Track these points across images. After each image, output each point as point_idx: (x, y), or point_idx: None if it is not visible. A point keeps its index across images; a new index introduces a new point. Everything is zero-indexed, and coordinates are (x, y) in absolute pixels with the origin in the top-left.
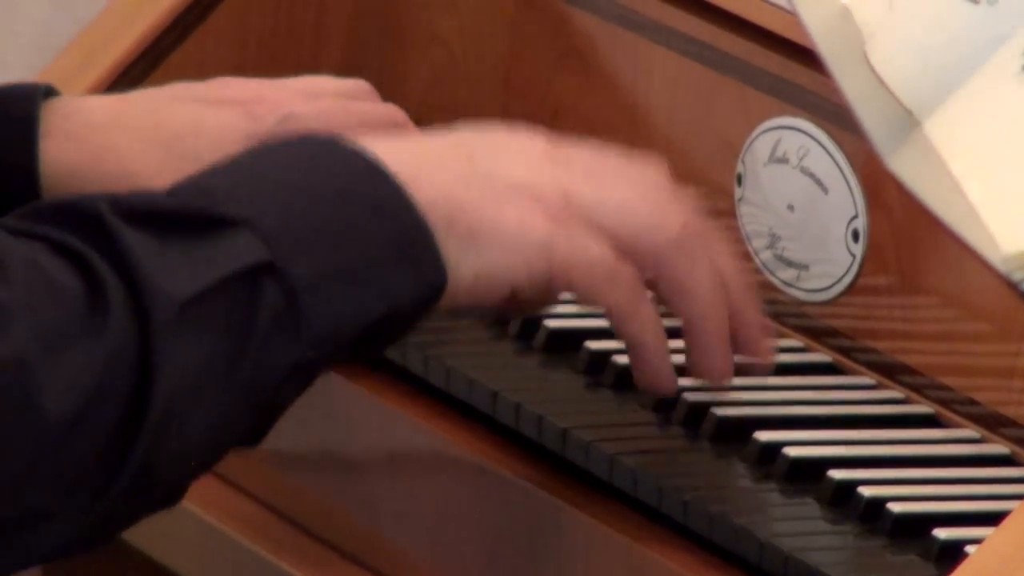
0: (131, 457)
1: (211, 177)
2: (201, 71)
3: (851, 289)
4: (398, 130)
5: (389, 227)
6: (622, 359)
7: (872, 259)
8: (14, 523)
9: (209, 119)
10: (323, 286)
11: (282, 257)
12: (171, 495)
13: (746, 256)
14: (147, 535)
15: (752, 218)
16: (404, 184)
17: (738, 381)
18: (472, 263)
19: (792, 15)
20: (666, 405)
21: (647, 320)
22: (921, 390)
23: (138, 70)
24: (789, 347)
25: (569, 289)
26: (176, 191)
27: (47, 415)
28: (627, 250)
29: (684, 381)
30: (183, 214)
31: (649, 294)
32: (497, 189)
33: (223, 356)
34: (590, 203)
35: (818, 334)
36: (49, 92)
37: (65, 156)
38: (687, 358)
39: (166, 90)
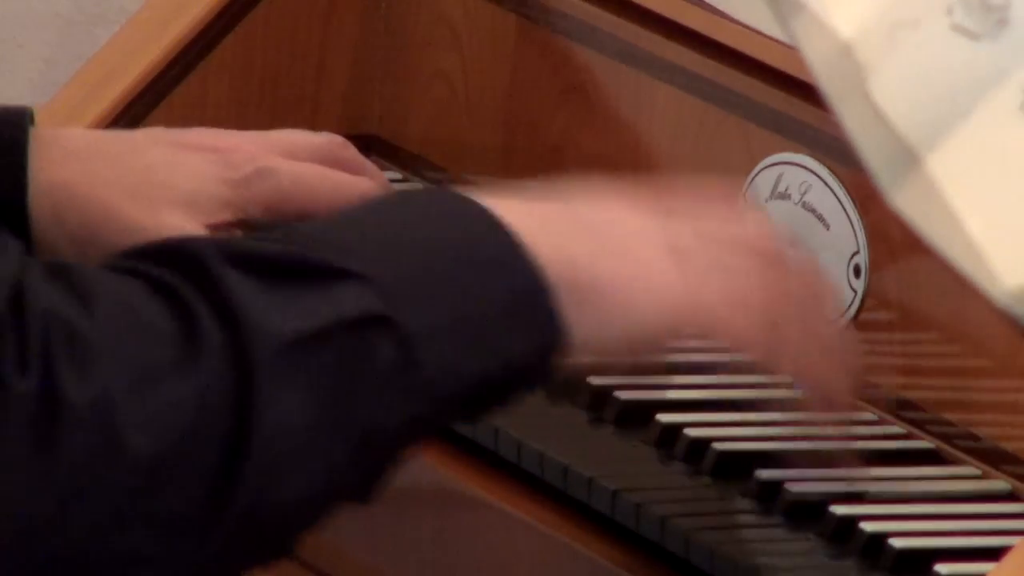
0: (232, 503)
1: (323, 228)
2: (204, 107)
3: (852, 324)
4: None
5: (508, 285)
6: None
7: (874, 294)
8: (109, 565)
9: (184, 160)
10: (440, 339)
11: (398, 309)
12: (279, 547)
13: None
14: None
15: None
16: (525, 242)
17: (738, 416)
18: (596, 319)
19: (793, 50)
20: (666, 440)
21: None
22: (922, 425)
23: (141, 105)
24: (790, 383)
25: (710, 328)
26: (286, 238)
27: (134, 453)
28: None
29: (680, 416)
30: (293, 262)
31: None
32: (613, 242)
33: (333, 405)
34: (707, 238)
35: None
36: (31, 117)
37: (45, 178)
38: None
39: (142, 132)
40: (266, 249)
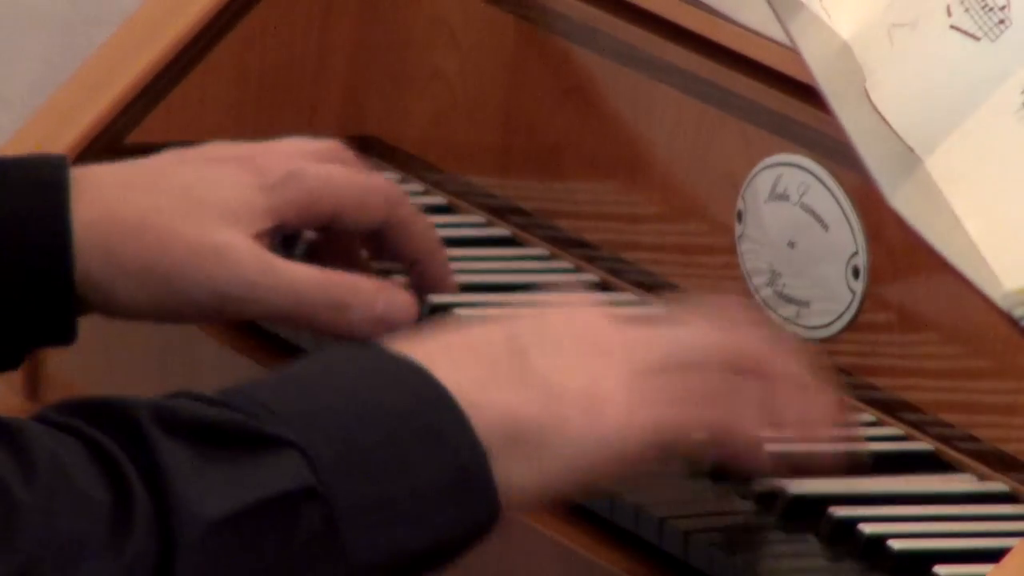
0: None
1: (263, 389)
2: (202, 108)
3: (851, 326)
4: (391, 206)
5: (445, 460)
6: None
7: (873, 296)
8: None
9: (217, 173)
10: (366, 516)
11: (327, 483)
12: None
13: (746, 293)
14: None
15: (752, 255)
16: (466, 410)
17: None
18: (538, 475)
19: (793, 52)
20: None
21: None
22: (922, 427)
23: (139, 107)
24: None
25: (667, 461)
26: (225, 399)
27: None
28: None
29: None
30: (229, 428)
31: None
32: (555, 395)
33: None
34: (660, 359)
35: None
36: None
37: (88, 216)
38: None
39: (164, 155)
40: (201, 414)
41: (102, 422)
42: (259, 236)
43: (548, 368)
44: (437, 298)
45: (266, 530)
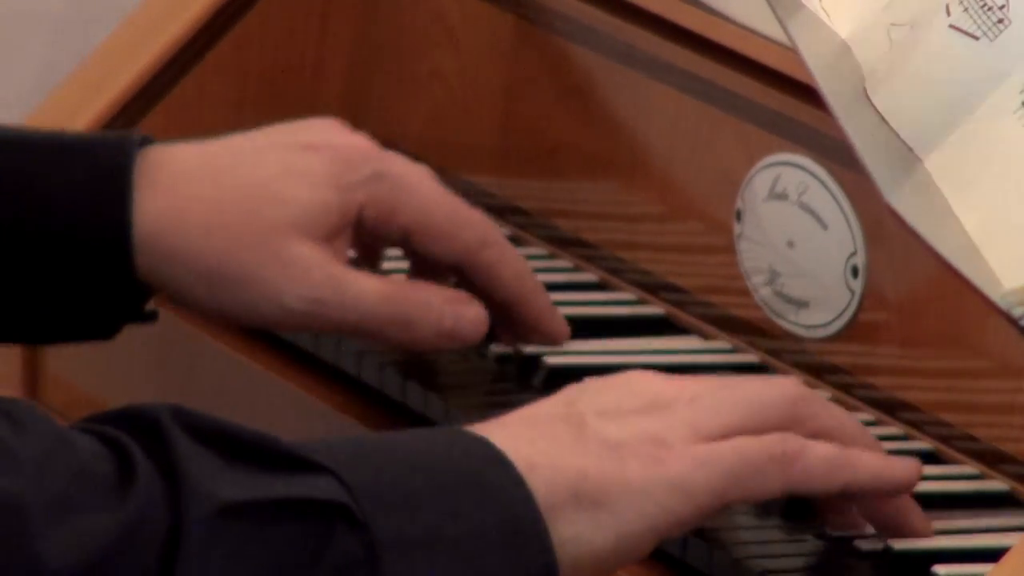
0: None
1: (305, 444)
2: (201, 107)
3: (850, 325)
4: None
5: (495, 509)
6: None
7: (871, 295)
8: None
9: (298, 163)
10: (411, 551)
11: (366, 511)
12: None
13: (745, 292)
14: None
15: (751, 254)
16: (523, 471)
17: None
18: (609, 529)
19: (792, 51)
20: None
21: (829, 458)
22: (921, 426)
23: (137, 106)
24: None
25: (742, 502)
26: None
27: (46, 566)
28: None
29: None
30: (257, 445)
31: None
32: (614, 449)
33: None
34: (708, 416)
35: (817, 371)
36: (145, 140)
37: (153, 206)
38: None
39: (251, 137)
40: (230, 428)
41: (119, 421)
42: (331, 238)
43: (607, 428)
44: (550, 358)
45: (290, 533)
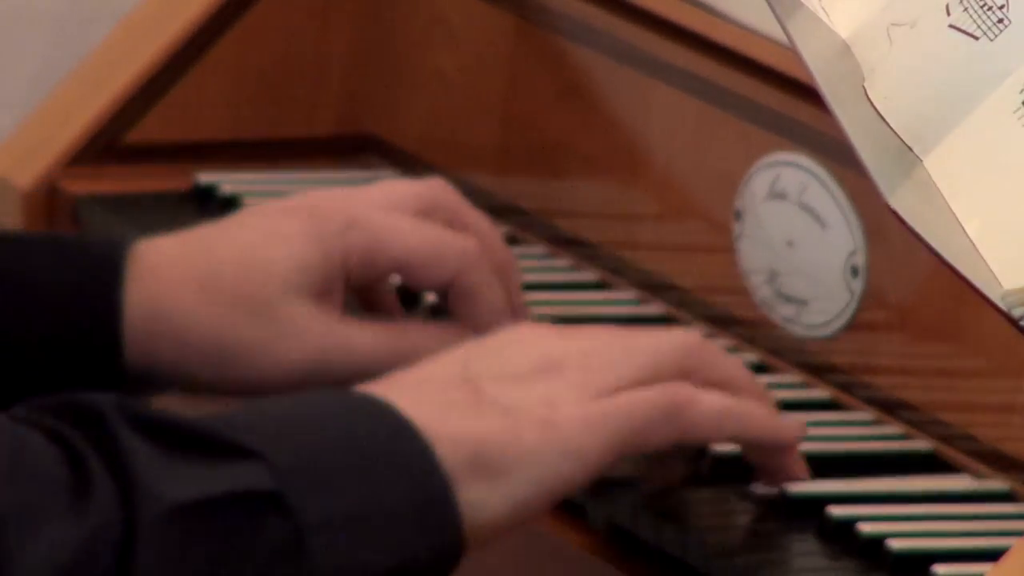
0: None
1: (234, 413)
2: (200, 107)
3: (850, 325)
4: (461, 269)
5: (409, 486)
6: None
7: (871, 295)
8: None
9: (276, 226)
10: (333, 532)
11: (292, 493)
12: None
13: (745, 292)
14: None
15: (751, 254)
16: (430, 441)
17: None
18: (506, 496)
19: (791, 51)
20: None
21: (730, 406)
22: (920, 426)
23: (138, 105)
24: (788, 383)
25: (634, 453)
26: (186, 418)
27: None
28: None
29: None
30: (193, 432)
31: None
32: (510, 415)
33: (216, 574)
34: (601, 373)
35: (817, 370)
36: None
37: (143, 294)
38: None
39: (229, 217)
40: (167, 417)
41: (63, 413)
42: (323, 293)
43: (501, 391)
44: None
45: (231, 528)
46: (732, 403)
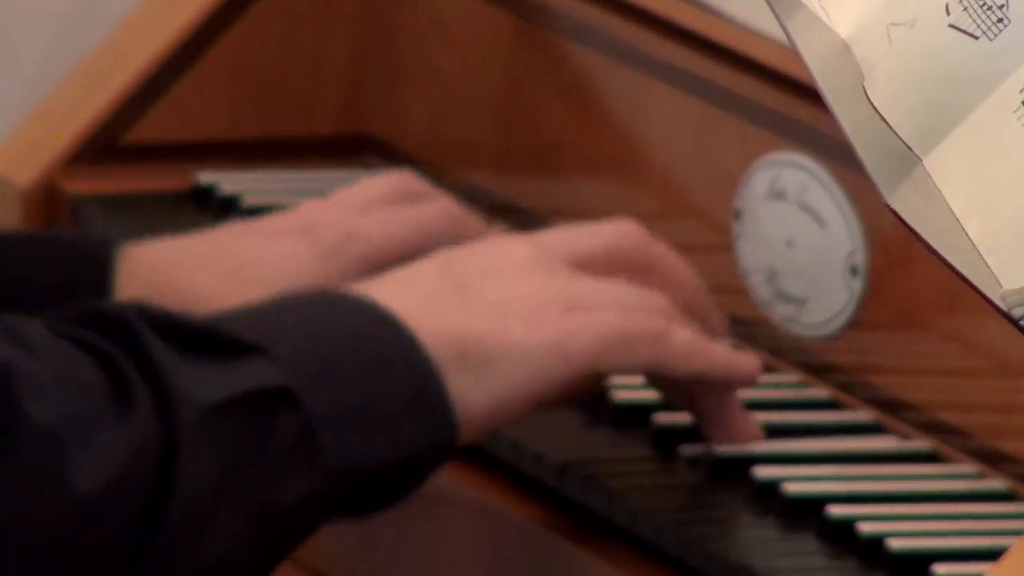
0: (149, 555)
1: (232, 313)
2: (200, 107)
3: (850, 325)
4: (453, 224)
5: (403, 375)
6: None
7: (871, 295)
8: None
9: (273, 248)
10: (340, 422)
11: (300, 387)
12: None
13: (744, 292)
14: None
15: (750, 253)
16: (414, 332)
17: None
18: (491, 389)
19: (791, 50)
20: (664, 441)
21: (703, 347)
22: (920, 426)
23: (137, 104)
24: (787, 383)
25: (610, 372)
26: (199, 318)
27: (76, 491)
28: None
29: (680, 418)
30: (202, 333)
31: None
32: (496, 309)
33: (241, 472)
34: (578, 282)
35: (816, 370)
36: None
37: (130, 295)
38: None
39: (226, 228)
40: (178, 319)
41: (91, 322)
42: None
43: (486, 286)
44: None
45: (250, 423)
46: (701, 340)
